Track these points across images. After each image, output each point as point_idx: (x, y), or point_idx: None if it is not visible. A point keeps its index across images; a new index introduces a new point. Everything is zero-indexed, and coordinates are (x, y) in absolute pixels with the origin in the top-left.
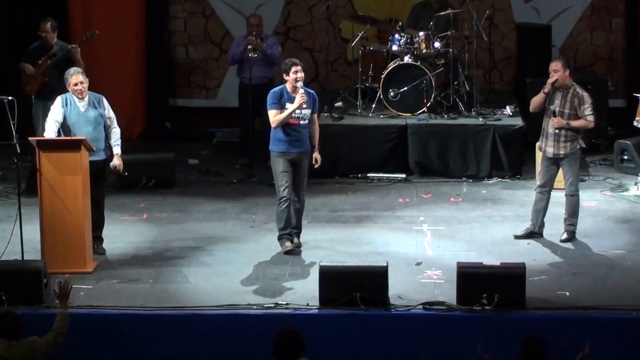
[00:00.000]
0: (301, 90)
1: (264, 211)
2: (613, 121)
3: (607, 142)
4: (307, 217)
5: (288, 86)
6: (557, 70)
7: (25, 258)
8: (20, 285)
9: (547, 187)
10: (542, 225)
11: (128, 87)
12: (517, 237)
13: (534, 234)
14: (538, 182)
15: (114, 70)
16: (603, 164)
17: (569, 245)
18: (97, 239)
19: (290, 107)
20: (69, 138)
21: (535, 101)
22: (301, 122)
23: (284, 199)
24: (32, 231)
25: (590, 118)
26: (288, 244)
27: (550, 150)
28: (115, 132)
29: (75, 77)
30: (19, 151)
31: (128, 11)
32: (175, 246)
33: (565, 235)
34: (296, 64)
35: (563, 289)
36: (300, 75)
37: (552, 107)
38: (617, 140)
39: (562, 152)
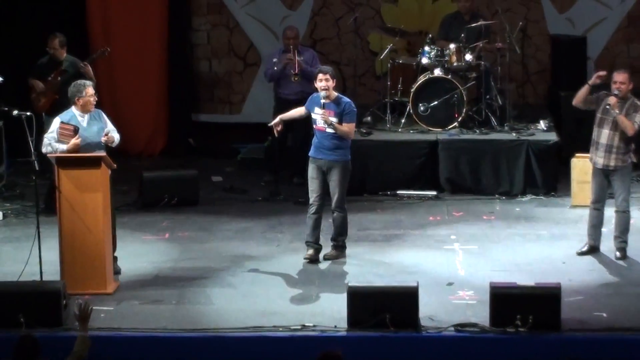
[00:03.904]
0: (322, 111)
1: (290, 230)
2: None
3: None
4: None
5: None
6: (623, 83)
7: (44, 279)
8: (39, 307)
9: (601, 202)
10: (600, 240)
11: (150, 102)
12: (580, 253)
13: (595, 249)
14: (591, 198)
15: (135, 85)
16: None
17: (606, 264)
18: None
19: (314, 114)
20: (89, 155)
21: (578, 95)
22: (327, 129)
23: (311, 205)
24: (51, 251)
25: (636, 126)
26: (310, 252)
27: (600, 162)
28: (116, 133)
29: (91, 89)
30: (37, 168)
31: (150, 23)
32: (199, 266)
33: (618, 253)
34: (324, 72)
35: (600, 310)
36: (326, 84)
37: (609, 109)
38: None
39: (612, 163)
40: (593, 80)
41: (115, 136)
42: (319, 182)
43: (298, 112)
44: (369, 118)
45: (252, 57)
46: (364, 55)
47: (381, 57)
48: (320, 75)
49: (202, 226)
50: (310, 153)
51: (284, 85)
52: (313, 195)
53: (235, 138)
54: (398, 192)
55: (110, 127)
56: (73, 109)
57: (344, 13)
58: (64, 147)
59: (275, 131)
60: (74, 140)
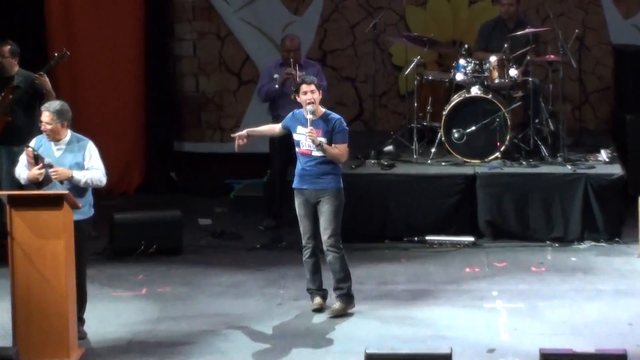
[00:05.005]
0: (308, 129)
1: (294, 284)
2: None
3: None
4: None
5: (304, 110)
6: None
7: None
8: None
9: None
10: None
11: (123, 128)
12: None
13: None
14: None
15: (105, 106)
16: None
17: None
18: (77, 319)
19: (296, 134)
20: (48, 192)
21: None
22: (313, 153)
23: (305, 248)
24: (1, 310)
25: None
26: (316, 300)
27: None
28: (94, 172)
29: (44, 114)
30: None
31: (123, 32)
32: (183, 329)
33: None
34: (307, 82)
35: None
36: (311, 96)
37: None
38: None
39: None
40: None
41: (83, 176)
42: (310, 220)
43: (270, 128)
44: (391, 147)
45: (247, 72)
46: (385, 71)
47: (406, 72)
48: (304, 87)
49: (187, 280)
50: (294, 184)
51: (281, 105)
52: (305, 237)
53: (228, 172)
54: (427, 237)
55: (92, 164)
56: None
57: (360, 19)
58: (25, 176)
59: (236, 144)
60: (34, 170)
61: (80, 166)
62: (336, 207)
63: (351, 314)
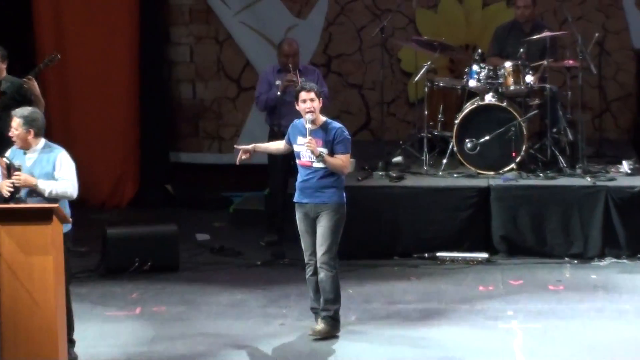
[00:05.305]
0: (307, 139)
1: (297, 304)
2: None
3: None
4: (356, 311)
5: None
6: None
7: None
8: None
9: None
10: None
11: (116, 137)
12: None
13: None
14: None
15: (97, 114)
16: None
17: None
18: (67, 341)
19: (296, 146)
20: (37, 206)
21: None
22: (314, 164)
23: (307, 265)
24: None
25: None
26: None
27: None
28: (61, 183)
29: (14, 120)
30: None
31: (116, 36)
32: (179, 351)
33: None
34: (306, 90)
35: None
36: (311, 105)
37: None
38: None
39: None
40: None
41: (48, 186)
42: (312, 236)
43: (276, 144)
44: (400, 158)
45: (247, 78)
46: (393, 77)
47: (416, 78)
48: (303, 94)
49: (184, 299)
50: (295, 197)
51: (283, 114)
52: (307, 254)
53: (227, 184)
54: (438, 254)
55: (61, 174)
56: None
57: (367, 22)
58: None
59: (239, 156)
60: (2, 182)
61: (49, 176)
62: (335, 222)
63: (336, 337)
